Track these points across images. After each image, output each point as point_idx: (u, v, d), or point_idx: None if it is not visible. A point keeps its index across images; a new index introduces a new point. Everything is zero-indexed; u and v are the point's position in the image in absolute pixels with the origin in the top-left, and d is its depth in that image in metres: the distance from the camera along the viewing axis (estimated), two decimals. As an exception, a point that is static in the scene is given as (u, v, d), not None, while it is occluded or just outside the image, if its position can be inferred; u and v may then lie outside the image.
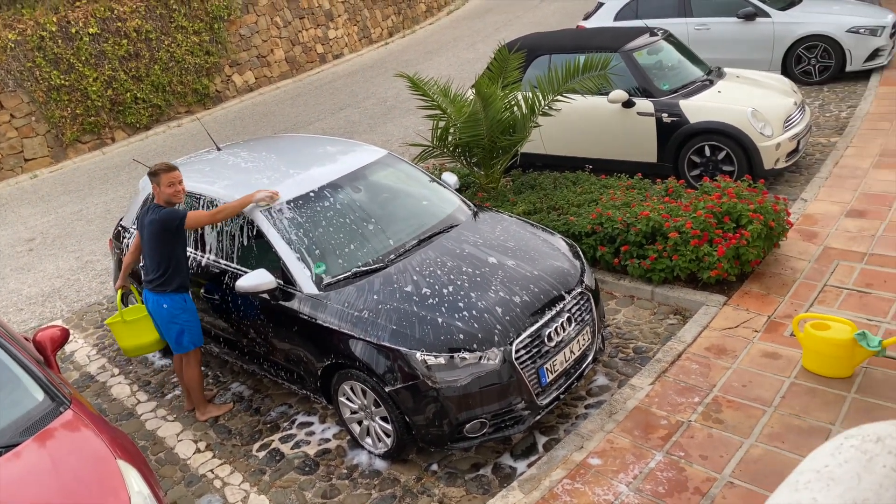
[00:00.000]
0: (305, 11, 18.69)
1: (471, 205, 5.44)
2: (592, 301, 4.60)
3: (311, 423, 4.96)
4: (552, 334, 4.28)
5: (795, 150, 7.36)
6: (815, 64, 10.51)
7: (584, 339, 4.50)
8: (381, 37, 21.17)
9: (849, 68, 10.36)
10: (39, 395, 3.64)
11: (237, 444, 4.87)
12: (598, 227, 5.90)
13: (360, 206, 5.01)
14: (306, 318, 4.44)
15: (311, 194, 4.92)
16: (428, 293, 4.33)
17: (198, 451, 4.88)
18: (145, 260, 4.76)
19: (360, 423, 4.50)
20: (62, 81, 13.42)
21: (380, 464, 4.47)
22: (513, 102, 6.88)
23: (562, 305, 4.39)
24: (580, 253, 4.93)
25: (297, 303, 4.52)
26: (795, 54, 10.56)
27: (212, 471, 4.66)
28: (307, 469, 4.54)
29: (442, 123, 6.86)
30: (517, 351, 4.11)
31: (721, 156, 7.23)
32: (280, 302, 4.59)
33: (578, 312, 4.50)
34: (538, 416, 4.28)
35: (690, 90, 7.55)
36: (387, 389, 4.10)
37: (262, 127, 13.64)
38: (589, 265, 4.96)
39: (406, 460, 4.46)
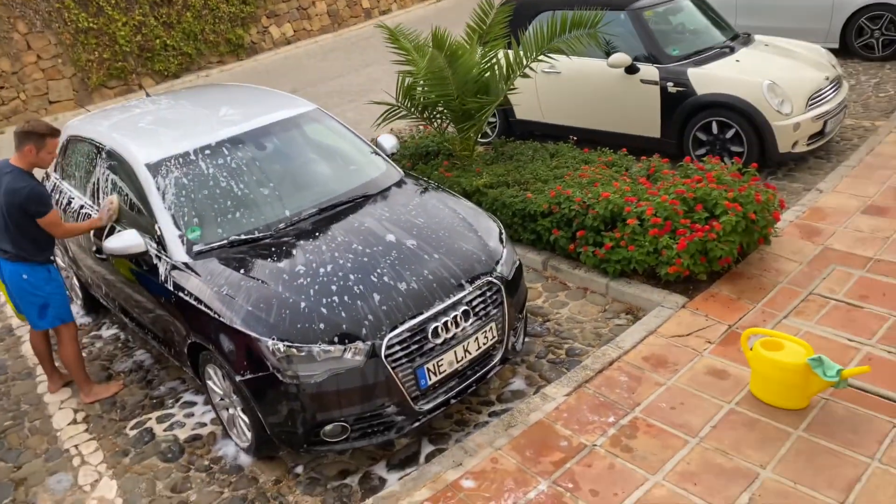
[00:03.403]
0: (353, -37, 18.05)
1: (400, 172, 4.80)
2: (504, 293, 3.92)
3: (194, 404, 4.50)
4: (440, 329, 3.63)
5: (821, 133, 6.35)
6: (879, 37, 9.21)
7: (486, 337, 3.83)
8: (435, -7, 20.34)
9: (917, 43, 9.04)
10: None
11: (114, 419, 4.46)
12: (556, 207, 5.16)
13: (261, 167, 4.44)
14: (171, 288, 3.94)
15: (206, 150, 4.38)
16: (301, 271, 3.75)
17: (74, 422, 4.49)
18: (1, 226, 4.23)
19: (228, 409, 4.00)
20: (90, 24, 13.28)
21: (244, 459, 3.97)
22: (493, 61, 6.15)
23: (459, 296, 3.74)
24: (503, 237, 4.23)
25: (165, 269, 4.01)
26: (857, 25, 9.28)
27: (77, 446, 4.26)
28: (170, 456, 4.08)
29: (409, 80, 6.20)
30: (390, 347, 3.50)
31: (730, 134, 6.31)
32: (152, 267, 4.10)
33: (482, 305, 3.84)
34: (417, 423, 3.67)
35: (704, 57, 6.61)
36: (237, 379, 3.57)
37: (285, 80, 13.20)
38: (513, 249, 4.26)
39: (274, 458, 3.94)
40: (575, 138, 6.87)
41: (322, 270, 3.75)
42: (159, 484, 3.89)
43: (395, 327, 3.53)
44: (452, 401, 3.78)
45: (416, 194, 4.49)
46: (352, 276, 3.70)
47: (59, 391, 4.78)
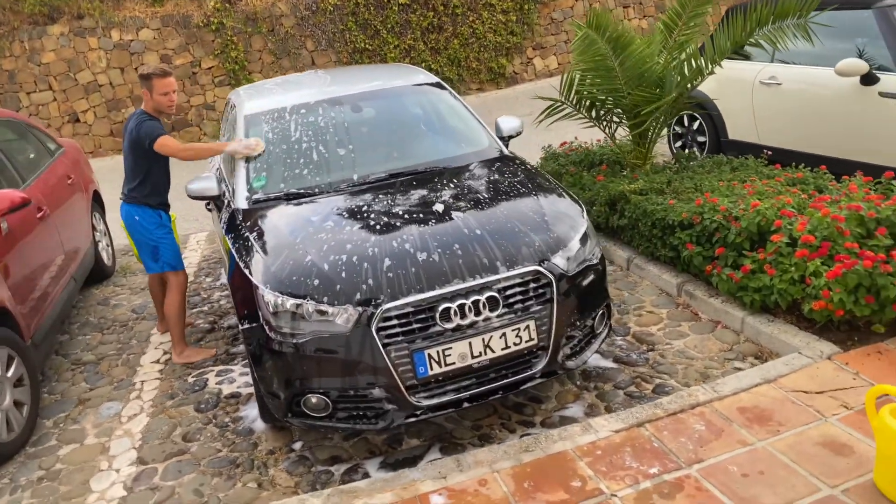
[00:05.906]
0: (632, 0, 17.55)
1: (500, 151, 4.26)
2: (556, 289, 3.17)
3: (255, 365, 4.37)
4: (453, 312, 3.03)
5: None
6: None
7: (519, 337, 3.12)
8: (720, 34, 18.95)
9: None
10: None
11: (187, 366, 4.51)
12: (697, 217, 4.17)
13: (348, 129, 4.22)
14: (223, 231, 3.87)
15: (301, 108, 4.28)
16: (328, 227, 3.42)
17: (157, 361, 4.63)
18: (125, 169, 4.45)
19: (254, 369, 3.78)
20: (366, 45, 14.53)
21: (260, 424, 3.71)
22: (681, 57, 5.31)
23: (488, 280, 3.09)
24: (584, 229, 3.46)
25: (225, 216, 3.96)
26: None
27: (143, 382, 4.37)
28: (203, 407, 3.97)
29: (577, 75, 5.60)
30: (386, 319, 2.99)
31: None
32: (220, 213, 4.09)
33: (520, 298, 3.14)
34: (413, 419, 3.09)
35: (975, 66, 5.00)
36: (240, 327, 3.34)
37: (527, 105, 13.16)
38: (596, 245, 3.49)
39: (285, 428, 3.62)
40: (769, 152, 5.61)
41: (348, 229, 3.38)
42: (178, 430, 3.79)
43: (396, 298, 3.01)
44: (466, 404, 3.13)
45: (500, 173, 3.91)
46: (372, 238, 3.28)
47: (165, 333, 4.99)
